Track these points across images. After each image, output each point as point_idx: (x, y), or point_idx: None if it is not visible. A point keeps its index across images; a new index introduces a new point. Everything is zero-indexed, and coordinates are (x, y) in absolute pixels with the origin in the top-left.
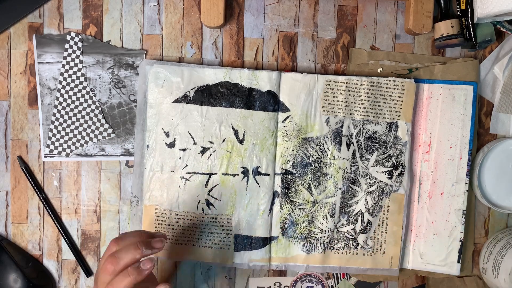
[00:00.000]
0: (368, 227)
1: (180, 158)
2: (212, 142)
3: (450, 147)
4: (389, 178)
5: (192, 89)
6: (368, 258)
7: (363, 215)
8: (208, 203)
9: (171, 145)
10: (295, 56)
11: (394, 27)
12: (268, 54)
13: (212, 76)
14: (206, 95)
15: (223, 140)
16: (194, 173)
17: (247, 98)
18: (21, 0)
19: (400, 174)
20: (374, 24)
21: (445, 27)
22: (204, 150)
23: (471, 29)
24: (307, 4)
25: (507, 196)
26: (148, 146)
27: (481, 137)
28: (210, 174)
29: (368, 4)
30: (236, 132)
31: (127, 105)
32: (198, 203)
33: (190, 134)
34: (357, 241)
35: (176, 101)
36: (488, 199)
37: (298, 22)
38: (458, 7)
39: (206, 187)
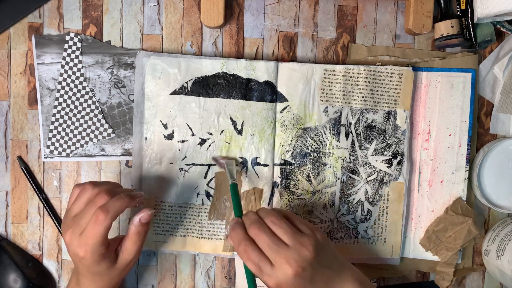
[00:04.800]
0: (368, 217)
1: (179, 150)
2: (210, 133)
3: (449, 135)
4: (388, 167)
5: (189, 80)
6: (368, 247)
7: (363, 204)
8: (208, 194)
9: (170, 137)
10: (295, 56)
11: (394, 27)
12: (268, 54)
13: (210, 67)
14: (204, 86)
15: (222, 131)
16: (193, 164)
17: (244, 89)
18: (21, 0)
19: (400, 162)
20: (374, 24)
21: (445, 27)
22: (202, 142)
23: (471, 29)
24: (307, 4)
25: (507, 196)
26: (146, 138)
27: (481, 137)
28: (209, 165)
29: (368, 4)
30: (234, 123)
31: (126, 105)
32: (198, 194)
33: (188, 125)
34: (358, 231)
35: (174, 92)
36: (488, 199)
37: (298, 22)
38: (458, 7)
39: (205, 178)
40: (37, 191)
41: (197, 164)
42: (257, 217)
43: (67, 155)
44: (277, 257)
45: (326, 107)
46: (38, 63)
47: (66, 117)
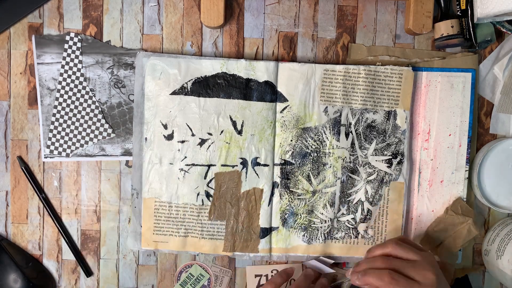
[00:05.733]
0: (368, 216)
1: (179, 150)
2: (210, 134)
3: (449, 135)
4: (388, 167)
5: (189, 80)
6: (368, 247)
7: (363, 204)
8: (208, 195)
9: (170, 137)
10: (295, 56)
11: (394, 27)
12: (268, 54)
13: (209, 67)
14: (204, 87)
15: (222, 132)
16: (193, 165)
17: (244, 89)
18: (21, 0)
19: (400, 162)
20: (374, 24)
21: (445, 27)
22: (202, 142)
23: (471, 29)
24: (307, 4)
25: (507, 196)
26: (146, 138)
27: (481, 137)
28: (209, 166)
29: (368, 4)
30: (234, 123)
31: (126, 105)
32: (198, 194)
33: (188, 126)
34: (358, 231)
35: (174, 93)
36: (488, 199)
37: (298, 22)
38: (458, 7)
39: (205, 178)
40: (37, 191)
41: (197, 165)
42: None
43: (67, 155)
44: (416, 272)
45: (326, 107)
46: (38, 63)
47: (66, 117)
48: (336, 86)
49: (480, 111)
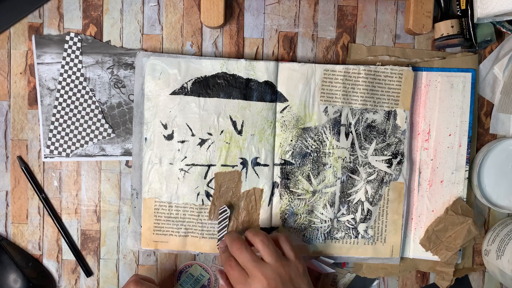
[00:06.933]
0: (368, 216)
1: (179, 150)
2: (210, 134)
3: (449, 135)
4: (388, 167)
5: (189, 80)
6: (368, 247)
7: (363, 204)
8: (208, 194)
9: (169, 137)
10: (295, 56)
11: (394, 27)
12: (268, 54)
13: (209, 67)
14: (204, 87)
15: (222, 132)
16: (193, 165)
17: (244, 89)
18: (21, 0)
19: (400, 162)
20: (374, 24)
21: (445, 27)
22: (202, 142)
23: (471, 29)
24: (307, 4)
25: (507, 196)
26: (146, 138)
27: (481, 137)
28: (209, 166)
29: (368, 4)
30: (234, 123)
31: (126, 105)
32: (198, 194)
33: (188, 126)
34: (358, 231)
35: (174, 93)
36: (488, 199)
37: (298, 22)
38: (458, 7)
39: (205, 178)
40: (37, 191)
41: (197, 165)
42: (237, 236)
43: (67, 155)
44: (254, 270)
45: (326, 107)
46: (38, 63)
47: (66, 117)
48: (336, 86)
49: (480, 111)
